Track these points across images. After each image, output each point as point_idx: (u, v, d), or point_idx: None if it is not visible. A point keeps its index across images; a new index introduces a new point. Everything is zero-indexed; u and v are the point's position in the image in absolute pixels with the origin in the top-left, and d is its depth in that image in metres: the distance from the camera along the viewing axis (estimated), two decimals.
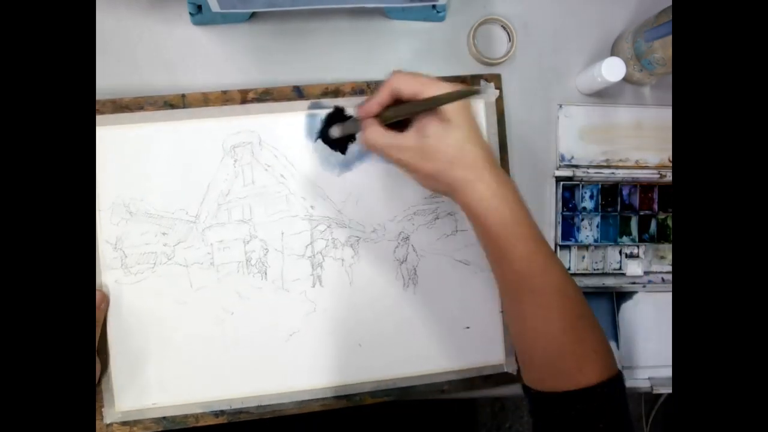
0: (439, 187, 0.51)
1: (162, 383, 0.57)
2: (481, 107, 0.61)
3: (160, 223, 0.57)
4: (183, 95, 0.57)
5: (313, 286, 0.59)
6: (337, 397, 0.59)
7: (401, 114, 0.50)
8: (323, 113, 0.58)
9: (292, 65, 0.61)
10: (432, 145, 0.48)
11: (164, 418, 0.57)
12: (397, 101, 0.50)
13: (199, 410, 0.57)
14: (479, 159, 0.48)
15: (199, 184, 0.57)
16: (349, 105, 0.59)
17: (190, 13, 0.58)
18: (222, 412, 0.57)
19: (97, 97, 0.56)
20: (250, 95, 0.58)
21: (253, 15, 0.60)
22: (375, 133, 0.51)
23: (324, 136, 0.58)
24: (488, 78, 0.61)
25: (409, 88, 0.48)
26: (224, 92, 0.57)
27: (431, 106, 0.48)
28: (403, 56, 0.62)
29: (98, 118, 0.56)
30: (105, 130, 0.56)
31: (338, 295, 0.59)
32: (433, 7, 0.59)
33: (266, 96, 0.58)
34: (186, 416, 0.57)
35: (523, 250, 0.47)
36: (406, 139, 0.49)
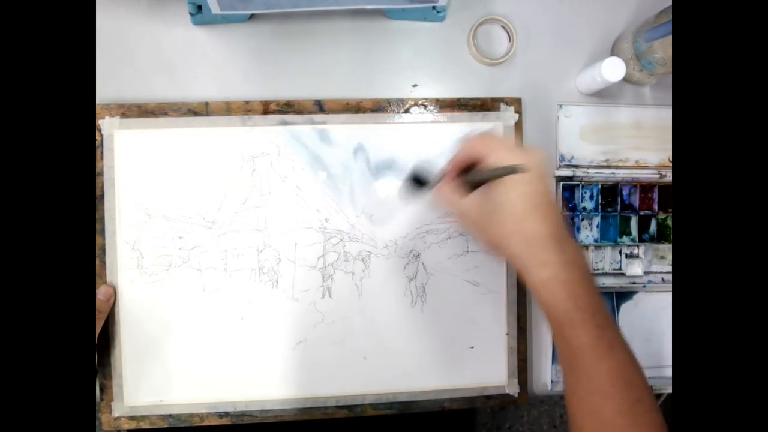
0: (500, 256, 0.50)
1: (170, 382, 0.58)
2: (499, 130, 0.61)
3: (177, 227, 0.58)
4: (206, 103, 0.58)
5: (323, 298, 0.60)
6: (339, 407, 0.60)
7: (468, 183, 0.49)
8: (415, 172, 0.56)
9: (293, 65, 0.61)
10: (491, 214, 0.46)
11: (170, 415, 0.58)
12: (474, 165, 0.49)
13: (204, 410, 0.58)
14: (541, 235, 0.45)
15: (217, 191, 0.58)
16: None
17: (190, 13, 0.57)
18: (226, 414, 0.59)
19: (110, 100, 0.58)
20: (272, 106, 0.59)
21: (253, 15, 0.60)
22: (444, 191, 0.51)
23: (412, 189, 0.57)
24: (508, 101, 0.61)
25: (475, 152, 0.48)
26: (246, 102, 0.58)
27: (484, 178, 0.47)
28: (403, 56, 0.62)
29: (122, 121, 0.57)
30: (129, 133, 0.57)
31: (347, 307, 0.60)
32: (433, 7, 0.59)
33: (288, 108, 0.59)
34: (191, 415, 0.58)
35: (583, 335, 0.45)
36: (469, 203, 0.48)
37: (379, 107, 0.60)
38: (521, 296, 0.62)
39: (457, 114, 0.61)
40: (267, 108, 0.59)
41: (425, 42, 0.62)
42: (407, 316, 0.61)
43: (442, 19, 0.62)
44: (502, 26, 0.63)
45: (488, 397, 0.62)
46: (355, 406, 0.60)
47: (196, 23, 0.59)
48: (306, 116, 0.59)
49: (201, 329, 0.59)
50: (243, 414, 0.59)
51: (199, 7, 0.57)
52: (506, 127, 0.61)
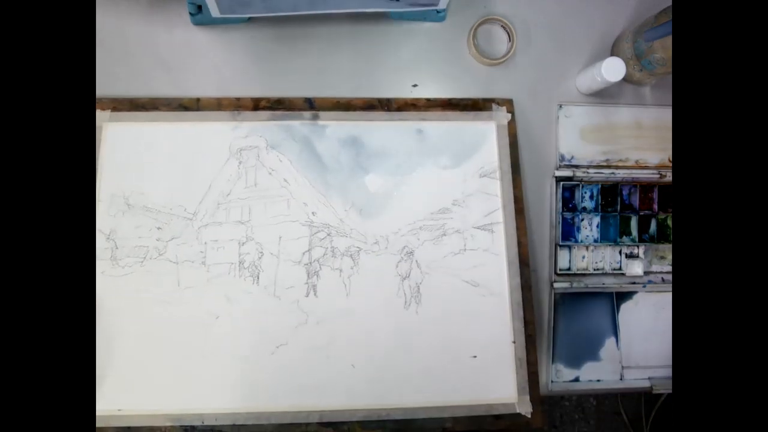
0: None
1: (131, 387, 0.52)
2: (493, 130, 0.60)
3: (157, 218, 0.55)
4: (198, 99, 0.58)
5: (307, 296, 0.55)
6: (323, 424, 0.52)
7: None
8: None
9: (292, 66, 0.61)
10: None
11: (128, 428, 0.51)
12: None
13: (167, 423, 0.51)
14: None
15: (201, 182, 0.56)
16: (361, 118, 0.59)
17: (190, 13, 0.58)
18: (192, 428, 0.51)
19: (103, 96, 0.58)
20: (263, 103, 0.59)
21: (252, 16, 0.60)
22: None
23: None
24: (500, 102, 0.61)
25: None
26: (237, 99, 0.59)
27: None
28: (403, 57, 0.62)
29: (113, 114, 0.57)
30: (118, 126, 0.57)
31: (333, 307, 0.54)
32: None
33: (278, 105, 0.59)
34: (152, 429, 0.51)
35: None
36: None
37: (369, 105, 0.59)
38: (527, 299, 0.56)
39: (449, 113, 0.60)
40: (257, 104, 0.59)
41: (425, 42, 0.63)
42: (400, 319, 0.55)
43: (442, 19, 0.62)
44: (502, 26, 0.63)
45: (497, 417, 0.53)
46: (342, 423, 0.52)
47: (196, 23, 0.61)
48: (296, 112, 0.59)
49: (171, 328, 0.53)
50: (211, 429, 0.51)
51: (199, 7, 0.58)
52: (499, 127, 0.60)
